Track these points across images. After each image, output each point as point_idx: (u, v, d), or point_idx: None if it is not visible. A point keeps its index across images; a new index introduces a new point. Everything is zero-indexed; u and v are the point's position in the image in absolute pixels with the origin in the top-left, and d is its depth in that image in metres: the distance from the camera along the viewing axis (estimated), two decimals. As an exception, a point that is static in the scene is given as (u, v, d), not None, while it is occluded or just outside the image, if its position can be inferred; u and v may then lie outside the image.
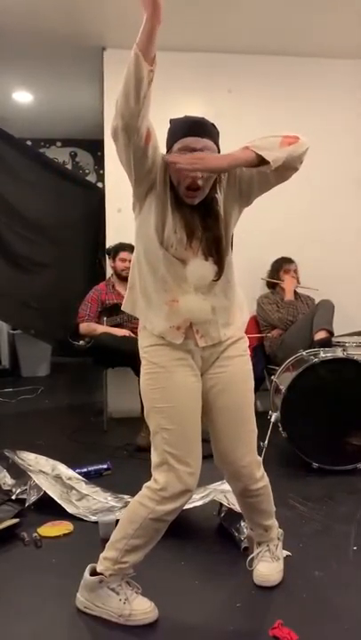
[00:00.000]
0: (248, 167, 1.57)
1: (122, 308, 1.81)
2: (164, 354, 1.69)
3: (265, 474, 1.87)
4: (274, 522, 1.97)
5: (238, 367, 1.79)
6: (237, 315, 1.79)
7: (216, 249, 1.66)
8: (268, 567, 1.91)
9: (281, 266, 4.16)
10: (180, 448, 1.66)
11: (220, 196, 1.69)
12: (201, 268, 1.64)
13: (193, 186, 1.60)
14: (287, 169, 1.62)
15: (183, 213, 1.63)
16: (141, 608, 1.71)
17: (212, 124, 1.66)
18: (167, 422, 1.66)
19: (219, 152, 1.65)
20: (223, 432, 1.77)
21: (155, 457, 1.69)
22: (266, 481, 1.87)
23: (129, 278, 1.77)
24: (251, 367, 1.83)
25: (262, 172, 1.63)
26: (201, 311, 1.66)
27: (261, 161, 1.53)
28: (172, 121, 1.67)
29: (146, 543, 1.70)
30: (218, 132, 1.67)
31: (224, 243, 1.69)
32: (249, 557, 1.96)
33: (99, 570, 1.74)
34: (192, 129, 1.61)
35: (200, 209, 1.66)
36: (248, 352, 1.84)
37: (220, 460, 1.81)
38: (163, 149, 1.67)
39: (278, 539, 1.99)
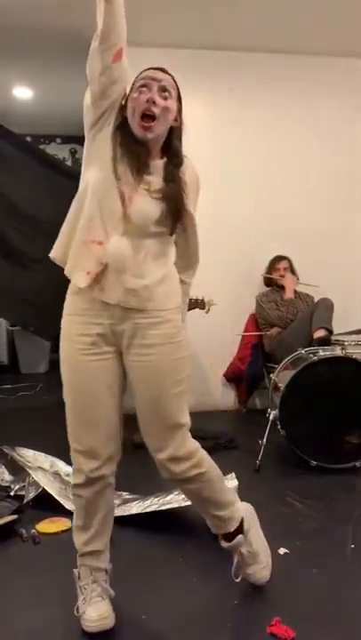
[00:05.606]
0: None
1: (50, 255, 1.70)
2: (75, 323, 1.63)
3: (203, 460, 1.68)
4: (230, 513, 1.75)
5: (161, 357, 1.62)
6: (163, 292, 1.64)
7: (173, 206, 1.60)
8: (251, 569, 1.82)
9: (273, 264, 4.19)
10: (73, 425, 1.65)
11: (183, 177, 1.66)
12: (147, 205, 1.57)
13: (148, 111, 1.57)
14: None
15: (132, 150, 1.60)
16: (90, 615, 1.64)
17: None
18: (66, 394, 1.66)
19: (180, 111, 1.65)
20: (142, 423, 1.67)
21: None
22: (202, 469, 1.67)
23: (64, 222, 1.67)
24: (183, 355, 1.65)
25: (184, 232, 1.70)
26: (122, 252, 1.56)
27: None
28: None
29: (84, 525, 1.67)
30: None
31: (181, 206, 1.62)
32: (233, 567, 1.81)
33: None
34: (153, 67, 1.63)
35: (166, 161, 1.64)
36: (180, 338, 1.65)
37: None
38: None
39: (245, 534, 1.78)
